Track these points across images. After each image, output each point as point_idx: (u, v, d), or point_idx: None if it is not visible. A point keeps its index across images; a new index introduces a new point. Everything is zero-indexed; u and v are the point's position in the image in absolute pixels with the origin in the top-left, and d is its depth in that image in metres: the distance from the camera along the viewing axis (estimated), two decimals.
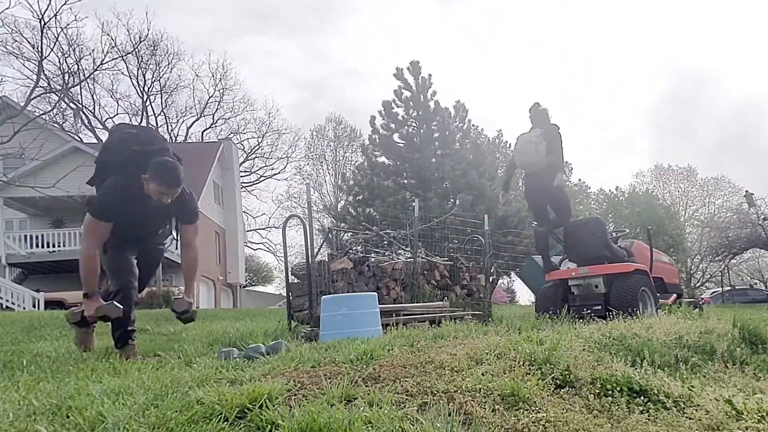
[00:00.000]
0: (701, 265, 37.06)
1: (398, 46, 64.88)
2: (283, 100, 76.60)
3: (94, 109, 34.13)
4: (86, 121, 33.48)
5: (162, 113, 37.27)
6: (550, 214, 6.71)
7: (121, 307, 3.41)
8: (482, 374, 2.43)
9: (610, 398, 2.41)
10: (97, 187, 3.75)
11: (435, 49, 67.01)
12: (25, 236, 19.87)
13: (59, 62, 23.92)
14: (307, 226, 6.03)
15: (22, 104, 17.59)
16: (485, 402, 2.15)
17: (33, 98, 17.66)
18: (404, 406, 2.02)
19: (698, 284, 37.71)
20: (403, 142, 21.36)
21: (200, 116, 38.31)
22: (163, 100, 36.99)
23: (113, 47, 30.19)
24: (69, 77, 21.29)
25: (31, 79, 20.24)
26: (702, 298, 19.89)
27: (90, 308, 3.42)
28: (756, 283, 37.41)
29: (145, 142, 3.74)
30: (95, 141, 31.00)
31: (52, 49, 19.37)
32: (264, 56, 65.33)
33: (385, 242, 9.01)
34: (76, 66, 22.85)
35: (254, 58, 64.94)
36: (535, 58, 71.96)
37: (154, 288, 18.42)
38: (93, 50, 27.73)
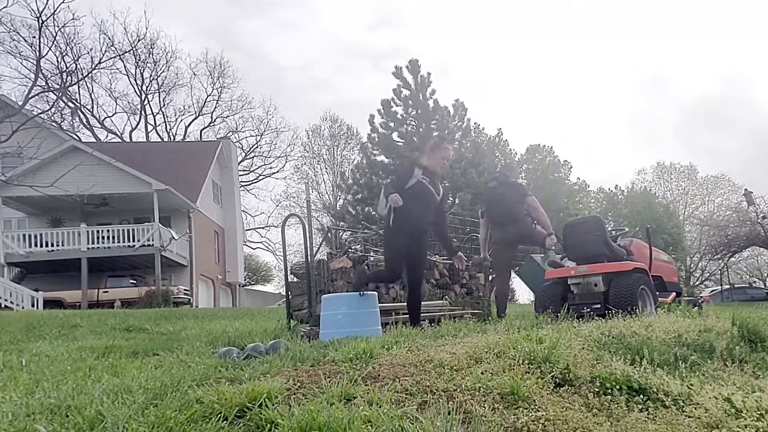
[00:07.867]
0: (700, 264, 37.17)
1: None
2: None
3: (92, 108, 34.19)
4: (84, 120, 33.50)
5: (160, 112, 37.33)
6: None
7: None
8: (482, 373, 2.43)
9: (609, 397, 2.41)
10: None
11: (433, 48, 66.74)
12: (24, 235, 19.82)
13: (57, 61, 23.92)
14: (306, 225, 6.02)
15: (20, 103, 17.53)
16: (485, 401, 2.15)
17: (31, 97, 17.55)
18: (404, 405, 2.01)
19: (697, 282, 37.78)
20: (402, 140, 21.36)
21: (198, 115, 38.34)
22: (161, 99, 37.04)
23: (111, 46, 30.21)
24: (67, 76, 21.17)
25: (29, 78, 20.19)
26: (701, 297, 19.91)
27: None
28: (755, 282, 37.43)
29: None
30: (93, 140, 31.02)
31: (50, 48, 19.25)
32: None
33: None
34: (74, 65, 22.78)
35: None
36: (531, 53, 71.94)
37: (153, 287, 18.43)
38: (91, 49, 27.74)
